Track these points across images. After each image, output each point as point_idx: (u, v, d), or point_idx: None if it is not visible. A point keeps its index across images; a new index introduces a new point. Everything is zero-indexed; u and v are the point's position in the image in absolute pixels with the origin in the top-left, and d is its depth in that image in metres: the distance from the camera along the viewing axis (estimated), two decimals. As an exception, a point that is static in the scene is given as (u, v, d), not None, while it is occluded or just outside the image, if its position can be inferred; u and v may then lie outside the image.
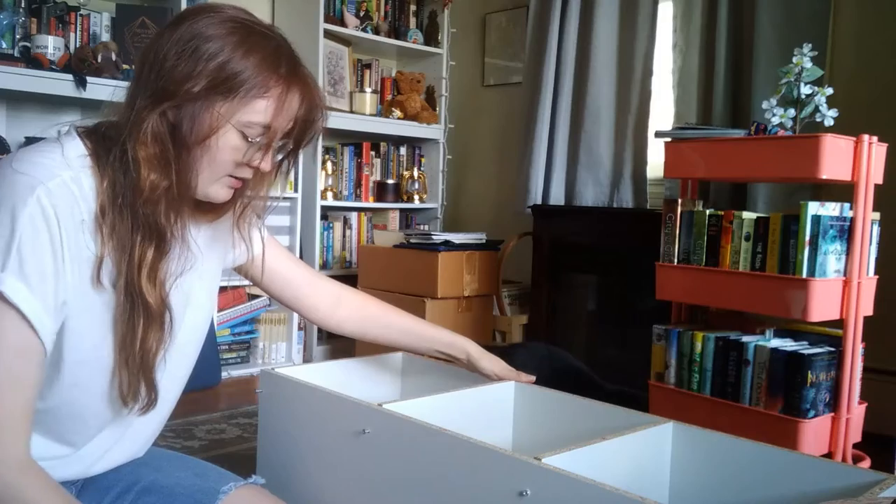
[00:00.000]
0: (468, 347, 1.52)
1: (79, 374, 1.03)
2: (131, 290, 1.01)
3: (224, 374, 3.06)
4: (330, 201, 3.63)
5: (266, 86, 0.99)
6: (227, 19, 1.00)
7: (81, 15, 2.97)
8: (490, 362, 1.53)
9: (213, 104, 0.98)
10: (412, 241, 3.20)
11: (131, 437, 1.16)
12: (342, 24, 3.66)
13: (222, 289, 3.01)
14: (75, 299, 0.99)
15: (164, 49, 0.98)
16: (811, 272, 1.95)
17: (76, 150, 1.00)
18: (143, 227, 1.00)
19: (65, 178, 0.97)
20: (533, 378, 1.54)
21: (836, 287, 2.00)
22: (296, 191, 3.38)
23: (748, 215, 2.10)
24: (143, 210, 0.99)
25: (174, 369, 1.17)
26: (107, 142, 1.01)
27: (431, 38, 4.01)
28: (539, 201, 3.33)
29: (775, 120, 2.07)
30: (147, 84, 0.99)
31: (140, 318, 1.02)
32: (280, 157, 1.11)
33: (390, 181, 3.92)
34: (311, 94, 1.05)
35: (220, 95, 0.98)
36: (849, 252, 2.01)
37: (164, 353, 1.07)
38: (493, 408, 1.52)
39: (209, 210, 1.14)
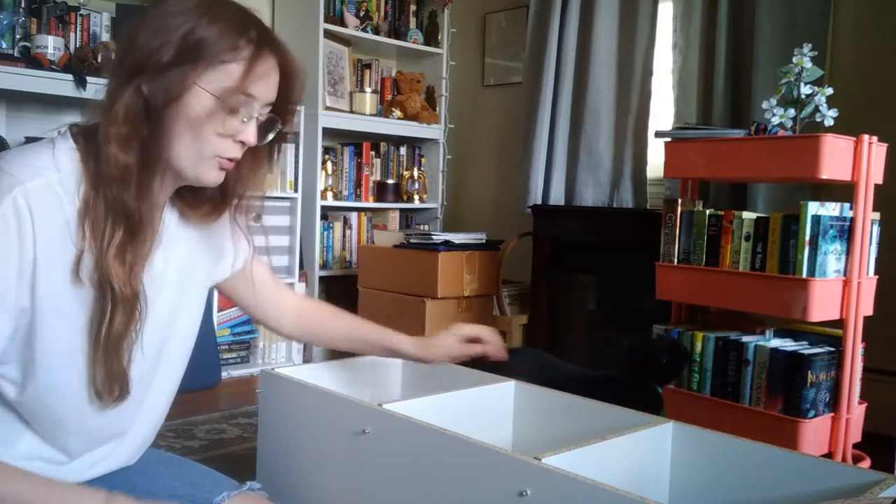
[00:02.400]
0: (403, 346, 1.47)
1: (53, 378, 1.01)
2: (100, 273, 0.98)
3: (224, 374, 3.05)
4: (330, 201, 3.63)
5: (235, 48, 0.98)
6: None
7: (81, 15, 2.97)
8: (438, 352, 1.47)
9: (183, 72, 0.96)
10: (412, 241, 3.20)
11: (125, 443, 1.15)
12: (342, 24, 3.66)
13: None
14: (50, 301, 0.97)
15: (134, 31, 0.99)
16: (811, 272, 1.95)
17: (67, 149, 0.99)
18: (114, 209, 0.98)
19: (50, 180, 0.95)
20: (502, 353, 1.52)
21: (836, 287, 2.00)
22: (296, 191, 3.38)
23: (748, 215, 2.10)
24: (113, 191, 0.97)
25: (165, 375, 1.16)
26: (95, 136, 0.99)
27: (431, 38, 4.01)
28: (539, 201, 3.33)
29: (775, 120, 2.07)
30: (120, 66, 0.98)
31: (108, 301, 0.99)
32: (270, 136, 1.08)
33: (390, 181, 3.92)
34: (285, 59, 1.04)
35: (190, 62, 0.96)
36: (849, 252, 2.01)
37: (139, 341, 1.05)
38: (493, 408, 1.52)
39: (205, 211, 1.13)
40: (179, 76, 0.96)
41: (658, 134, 2.37)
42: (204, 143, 1.00)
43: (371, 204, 3.88)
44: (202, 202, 1.13)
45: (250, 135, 1.03)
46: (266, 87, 1.02)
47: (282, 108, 1.08)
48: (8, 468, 0.97)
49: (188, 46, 0.96)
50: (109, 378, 1.03)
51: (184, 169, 1.02)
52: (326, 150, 3.70)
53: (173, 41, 0.96)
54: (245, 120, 1.02)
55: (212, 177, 1.04)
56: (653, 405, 1.61)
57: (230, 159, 1.04)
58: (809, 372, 1.95)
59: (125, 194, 0.98)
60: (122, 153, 0.96)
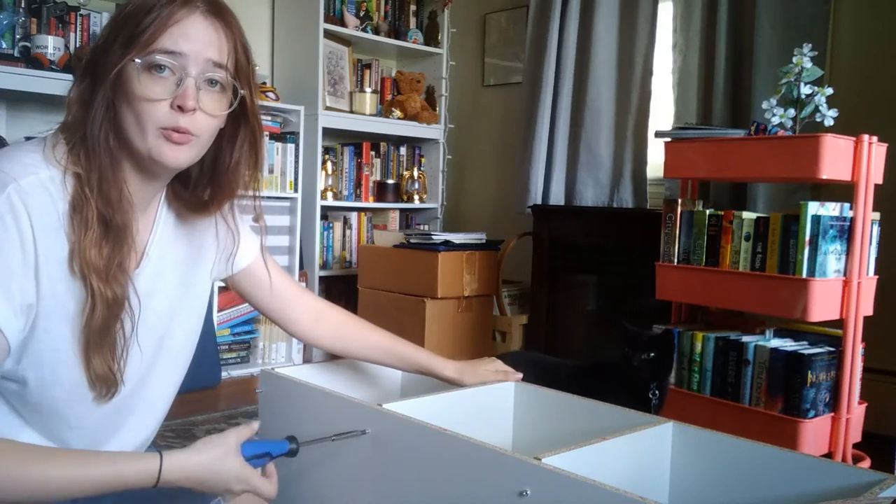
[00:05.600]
0: (445, 371, 1.49)
1: (57, 370, 1.02)
2: (80, 269, 0.99)
3: (224, 374, 3.06)
4: (330, 201, 3.63)
5: (150, 10, 0.98)
6: None
7: (81, 15, 2.97)
8: (473, 377, 1.51)
9: (114, 50, 0.98)
10: (412, 241, 3.20)
11: (124, 442, 1.15)
12: (342, 24, 3.66)
13: (222, 289, 3.01)
14: (50, 299, 0.98)
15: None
16: (811, 272, 1.95)
17: (58, 147, 1.00)
18: (95, 204, 0.98)
19: (41, 177, 0.96)
20: (519, 376, 1.55)
21: (836, 287, 2.00)
22: (296, 191, 3.38)
23: (748, 215, 2.10)
24: (93, 185, 0.98)
25: (164, 371, 1.16)
26: (77, 133, 1.01)
27: (431, 38, 4.01)
28: (539, 201, 3.33)
29: (775, 120, 2.07)
30: (79, 70, 1.04)
31: (89, 296, 0.99)
32: (231, 103, 1.04)
33: (390, 181, 3.92)
34: (210, 6, 1.01)
35: (118, 40, 0.99)
36: (849, 252, 2.01)
37: (134, 337, 1.06)
38: (493, 408, 1.52)
39: (201, 205, 1.13)
40: (111, 55, 0.98)
41: (658, 134, 2.37)
42: (142, 115, 0.98)
43: (371, 204, 3.88)
44: (197, 196, 1.13)
45: (186, 97, 0.98)
46: (188, 40, 0.99)
47: (232, 70, 1.03)
48: (44, 451, 0.98)
49: (117, 27, 1.00)
50: (98, 373, 1.03)
51: (137, 150, 1.00)
52: (326, 150, 3.70)
53: (107, 29, 1.01)
54: (178, 83, 0.99)
55: (166, 152, 1.00)
56: (645, 397, 1.61)
57: (177, 130, 0.99)
58: (809, 372, 1.95)
59: (104, 186, 0.99)
60: (95, 148, 0.99)
